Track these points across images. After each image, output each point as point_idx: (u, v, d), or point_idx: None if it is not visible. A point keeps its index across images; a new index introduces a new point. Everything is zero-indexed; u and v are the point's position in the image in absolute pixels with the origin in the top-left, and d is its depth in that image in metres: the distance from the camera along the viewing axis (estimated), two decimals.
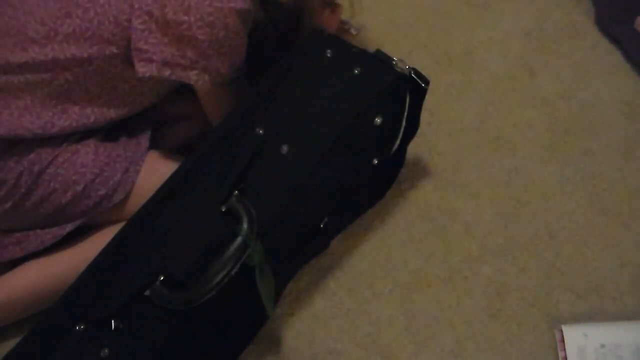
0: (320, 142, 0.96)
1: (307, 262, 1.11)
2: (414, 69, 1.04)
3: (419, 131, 1.24)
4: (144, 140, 1.08)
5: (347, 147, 0.99)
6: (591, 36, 1.32)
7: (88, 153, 1.01)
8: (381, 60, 1.03)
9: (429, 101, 1.27)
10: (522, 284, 1.09)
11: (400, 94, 1.04)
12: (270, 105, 0.95)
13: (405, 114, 1.07)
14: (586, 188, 1.17)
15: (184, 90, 1.10)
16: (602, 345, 0.99)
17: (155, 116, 1.13)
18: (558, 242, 1.12)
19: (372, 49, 1.33)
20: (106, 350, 0.83)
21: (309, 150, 0.95)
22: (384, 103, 1.01)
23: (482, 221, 1.15)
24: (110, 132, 1.07)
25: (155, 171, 1.04)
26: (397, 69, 1.02)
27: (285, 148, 0.93)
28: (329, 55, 1.00)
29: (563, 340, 1.01)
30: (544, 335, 1.05)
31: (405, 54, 1.33)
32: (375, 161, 1.05)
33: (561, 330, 1.02)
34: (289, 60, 0.98)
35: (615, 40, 1.30)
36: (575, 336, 1.01)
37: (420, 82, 1.05)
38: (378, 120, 1.00)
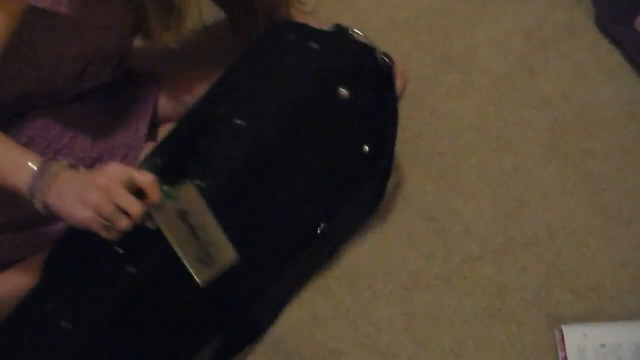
0: (275, 113, 0.96)
1: (312, 272, 1.10)
2: (377, 49, 1.03)
3: (418, 131, 1.24)
4: (143, 126, 1.08)
5: (318, 124, 0.98)
6: (591, 36, 1.32)
7: (86, 138, 1.01)
8: (340, 34, 1.03)
9: (429, 101, 1.28)
10: (522, 284, 1.09)
11: (367, 69, 1.02)
12: (230, 86, 0.98)
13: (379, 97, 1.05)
14: (586, 188, 1.17)
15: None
16: (602, 345, 0.99)
17: (154, 108, 1.12)
18: (558, 242, 1.12)
19: None
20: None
21: (264, 122, 0.96)
22: (347, 76, 1.00)
23: (482, 221, 1.15)
24: (106, 119, 1.06)
25: None
26: (358, 41, 1.02)
27: (239, 122, 0.94)
28: (291, 38, 1.01)
29: (563, 340, 1.01)
30: (544, 335, 1.05)
31: (405, 54, 1.33)
32: (367, 148, 1.03)
33: (561, 330, 1.02)
34: (252, 45, 1.01)
35: (615, 40, 1.30)
36: (575, 336, 1.01)
37: (385, 60, 1.03)
38: (343, 91, 0.99)
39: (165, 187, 0.80)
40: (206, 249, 0.84)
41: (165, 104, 1.14)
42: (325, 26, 1.18)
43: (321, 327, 1.08)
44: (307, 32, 1.03)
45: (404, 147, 1.23)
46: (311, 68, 0.99)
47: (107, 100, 1.09)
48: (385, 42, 1.34)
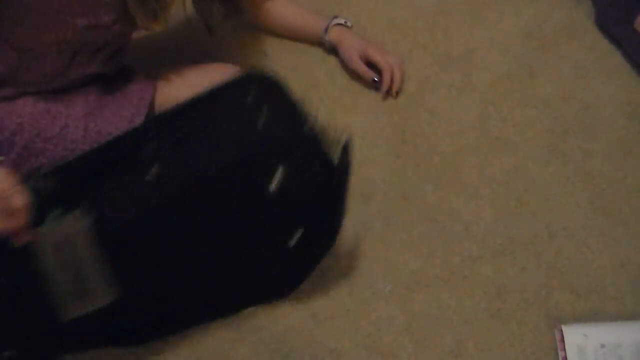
0: (190, 172, 0.89)
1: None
2: (344, 144, 0.94)
3: (418, 131, 1.24)
4: (138, 119, 1.08)
5: (234, 208, 0.92)
6: (591, 36, 1.32)
7: (78, 128, 1.01)
8: (295, 118, 0.94)
9: (429, 101, 1.28)
10: (522, 284, 1.09)
11: (314, 168, 0.93)
12: (167, 128, 0.92)
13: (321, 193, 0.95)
14: (586, 188, 1.17)
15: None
16: (602, 345, 0.99)
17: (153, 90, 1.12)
18: (558, 242, 1.12)
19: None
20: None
21: (175, 175, 0.89)
22: (286, 167, 0.91)
23: (482, 221, 1.15)
24: (99, 111, 1.06)
25: None
26: (307, 131, 0.92)
27: (154, 170, 0.89)
28: (248, 100, 0.93)
29: (563, 340, 1.01)
30: (544, 335, 1.05)
31: (405, 54, 1.33)
32: (291, 243, 0.96)
33: (561, 330, 1.02)
34: (215, 90, 0.94)
35: (615, 40, 1.30)
36: (575, 336, 1.01)
37: (342, 157, 0.93)
38: (271, 185, 0.90)
39: (52, 213, 0.78)
40: (83, 282, 0.81)
41: (161, 102, 1.14)
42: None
43: (321, 327, 1.08)
44: (271, 97, 0.95)
45: (404, 147, 1.23)
46: (250, 145, 0.90)
47: (101, 93, 1.08)
48: (385, 42, 1.35)
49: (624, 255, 1.10)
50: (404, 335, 1.07)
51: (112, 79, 1.11)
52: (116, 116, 1.06)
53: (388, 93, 1.28)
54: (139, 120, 1.08)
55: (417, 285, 1.11)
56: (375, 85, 1.28)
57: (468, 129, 1.24)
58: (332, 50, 1.33)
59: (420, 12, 1.38)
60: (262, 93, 0.94)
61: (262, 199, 0.91)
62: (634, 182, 1.17)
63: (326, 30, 1.29)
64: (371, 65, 1.28)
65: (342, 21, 1.31)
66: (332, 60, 1.34)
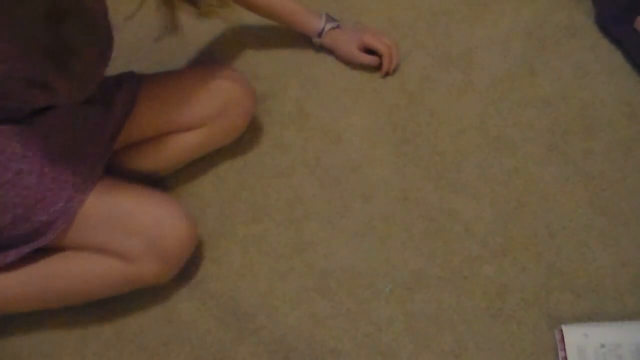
0: None
1: None
2: None
3: (418, 131, 1.24)
4: (99, 166, 1.04)
5: None
6: (591, 36, 1.32)
7: (32, 174, 0.96)
8: None
9: (429, 101, 1.27)
10: (522, 284, 1.09)
11: None
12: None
13: None
14: (586, 188, 1.17)
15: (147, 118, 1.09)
16: (602, 345, 0.99)
17: (115, 141, 1.08)
18: (558, 242, 1.12)
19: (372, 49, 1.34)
20: None
21: None
22: None
23: (482, 221, 1.15)
24: (62, 147, 1.01)
25: (104, 202, 1.01)
26: None
27: None
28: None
29: (563, 340, 1.01)
30: (544, 335, 1.05)
31: (405, 54, 1.33)
32: None
33: (561, 330, 1.02)
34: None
35: (615, 40, 1.30)
36: (575, 336, 1.01)
37: None
38: None
39: None
40: None
41: (142, 121, 1.12)
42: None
43: (321, 327, 1.08)
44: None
45: (404, 147, 1.23)
46: None
47: (65, 130, 1.02)
48: None
49: (624, 255, 1.10)
50: (404, 335, 1.07)
51: (82, 110, 1.05)
52: (75, 162, 1.01)
53: (386, 73, 1.31)
54: (99, 168, 1.04)
55: (417, 285, 1.11)
56: (376, 67, 1.31)
57: (468, 129, 1.24)
58: (322, 48, 1.33)
59: (420, 12, 1.38)
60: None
61: None
62: (634, 182, 1.17)
63: (320, 35, 1.29)
64: (368, 50, 1.30)
65: (335, 24, 1.29)
66: (332, 60, 1.34)
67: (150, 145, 1.15)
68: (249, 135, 1.24)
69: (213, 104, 1.13)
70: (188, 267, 1.14)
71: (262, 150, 1.26)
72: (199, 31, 1.39)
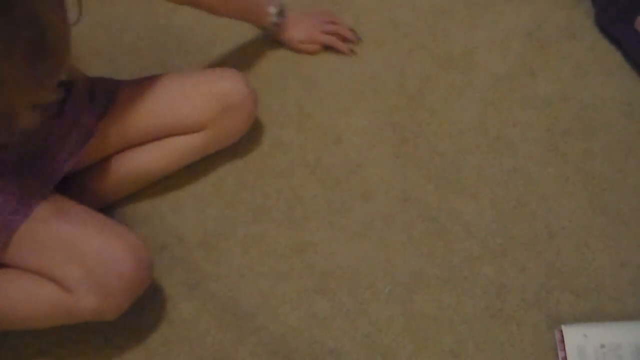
0: None
1: None
2: None
3: (418, 131, 1.24)
4: (52, 182, 1.00)
5: None
6: (591, 36, 1.32)
7: None
8: None
9: (429, 101, 1.27)
10: (522, 284, 1.09)
11: None
12: None
13: None
14: (586, 188, 1.17)
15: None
16: (602, 345, 0.99)
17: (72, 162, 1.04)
18: (558, 242, 1.12)
19: (372, 49, 1.34)
20: None
21: None
22: None
23: (482, 221, 1.15)
24: (19, 164, 0.98)
25: (48, 223, 0.96)
26: None
27: None
28: None
29: (563, 340, 1.01)
30: (543, 335, 1.05)
31: (405, 54, 1.33)
32: None
33: (561, 330, 1.02)
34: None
35: (615, 40, 1.30)
36: (575, 336, 1.01)
37: None
38: None
39: None
40: None
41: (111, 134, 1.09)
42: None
43: (321, 327, 1.08)
44: None
45: (404, 147, 1.23)
46: None
47: (20, 144, 0.99)
48: (385, 42, 1.35)
49: (624, 255, 1.10)
50: (404, 335, 1.07)
51: (45, 125, 1.00)
52: (27, 175, 0.97)
53: (352, 51, 1.34)
54: (51, 184, 1.00)
55: (417, 285, 1.11)
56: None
57: (468, 129, 1.24)
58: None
59: (420, 12, 1.38)
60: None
61: None
62: (634, 182, 1.17)
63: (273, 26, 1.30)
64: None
65: (284, 19, 1.30)
66: (332, 60, 1.34)
67: (153, 146, 1.15)
68: (249, 135, 1.24)
69: (213, 106, 1.13)
70: (188, 267, 1.14)
71: (262, 150, 1.26)
72: (198, 31, 1.39)
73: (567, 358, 1.00)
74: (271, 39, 1.34)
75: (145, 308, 1.12)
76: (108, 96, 1.10)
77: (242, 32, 1.38)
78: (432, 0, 1.40)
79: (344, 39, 1.33)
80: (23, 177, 0.98)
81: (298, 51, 1.34)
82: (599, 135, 1.22)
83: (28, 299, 0.97)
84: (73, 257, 0.94)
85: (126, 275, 0.96)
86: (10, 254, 0.96)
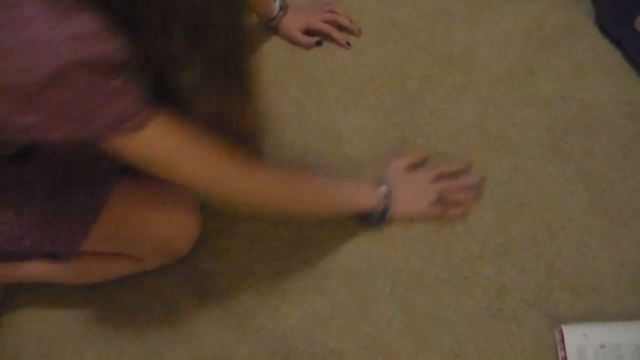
0: None
1: None
2: None
3: (418, 131, 1.25)
4: (102, 192, 0.98)
5: None
6: (591, 36, 1.32)
7: (32, 214, 0.93)
8: None
9: (429, 101, 1.27)
10: (522, 284, 1.09)
11: None
12: None
13: None
14: (586, 188, 1.17)
15: None
16: (602, 345, 0.99)
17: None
18: (558, 242, 1.12)
19: (371, 49, 1.34)
20: None
21: None
22: None
23: (482, 221, 1.15)
24: (63, 185, 0.96)
25: (121, 208, 0.99)
26: None
27: None
28: None
29: (563, 340, 1.01)
30: (543, 335, 1.05)
31: (405, 54, 1.33)
32: None
33: (561, 330, 1.02)
34: None
35: (615, 40, 1.30)
36: (575, 336, 1.01)
37: None
38: None
39: None
40: None
41: None
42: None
43: (321, 327, 1.08)
44: None
45: (404, 147, 1.23)
46: None
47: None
48: (385, 42, 1.35)
49: (624, 255, 1.10)
50: (404, 335, 1.07)
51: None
52: (76, 190, 0.96)
53: (348, 43, 1.35)
54: (101, 191, 0.98)
55: (417, 285, 1.11)
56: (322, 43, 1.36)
57: (468, 129, 1.24)
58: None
59: (420, 12, 1.38)
60: None
61: None
62: (634, 182, 1.17)
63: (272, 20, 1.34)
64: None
65: (284, 11, 1.34)
66: (332, 60, 1.34)
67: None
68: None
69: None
70: (188, 267, 1.14)
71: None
72: None
73: (567, 358, 1.00)
74: (268, 28, 1.35)
75: (145, 308, 1.13)
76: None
77: None
78: (432, 0, 1.40)
79: (341, 28, 1.35)
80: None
81: (293, 41, 1.35)
82: (599, 135, 1.22)
83: (105, 273, 1.12)
84: (144, 238, 1.05)
85: (191, 235, 1.08)
86: (91, 241, 0.99)
